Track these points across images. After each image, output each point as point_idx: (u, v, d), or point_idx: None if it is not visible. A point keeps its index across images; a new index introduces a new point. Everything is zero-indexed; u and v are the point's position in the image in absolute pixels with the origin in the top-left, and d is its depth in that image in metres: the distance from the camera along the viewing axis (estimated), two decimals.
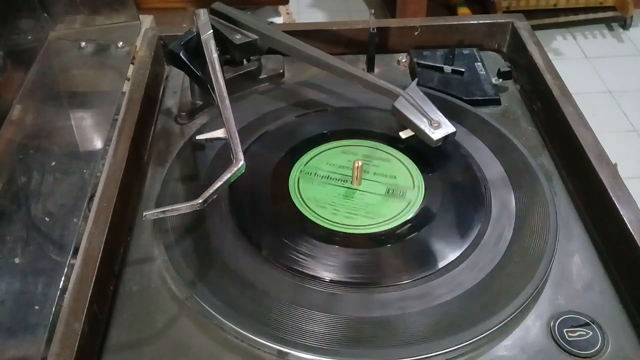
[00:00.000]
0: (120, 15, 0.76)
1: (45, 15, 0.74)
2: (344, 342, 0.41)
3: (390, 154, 0.56)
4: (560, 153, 0.57)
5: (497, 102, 0.63)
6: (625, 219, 0.45)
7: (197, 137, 0.54)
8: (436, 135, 0.53)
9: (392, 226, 0.49)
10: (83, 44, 0.74)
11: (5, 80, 0.66)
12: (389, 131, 0.58)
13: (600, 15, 2.01)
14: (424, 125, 0.53)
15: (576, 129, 0.54)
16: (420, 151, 0.55)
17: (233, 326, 0.42)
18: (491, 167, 0.54)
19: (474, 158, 0.55)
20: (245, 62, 0.65)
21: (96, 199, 0.49)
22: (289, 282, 0.45)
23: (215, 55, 0.56)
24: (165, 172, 0.55)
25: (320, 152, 0.56)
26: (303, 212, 0.50)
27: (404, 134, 0.55)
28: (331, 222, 0.49)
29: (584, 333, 0.42)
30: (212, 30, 0.59)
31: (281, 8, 1.35)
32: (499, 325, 0.42)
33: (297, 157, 0.56)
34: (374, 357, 0.41)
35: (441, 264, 0.46)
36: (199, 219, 0.50)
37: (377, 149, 0.57)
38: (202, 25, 0.59)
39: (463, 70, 0.66)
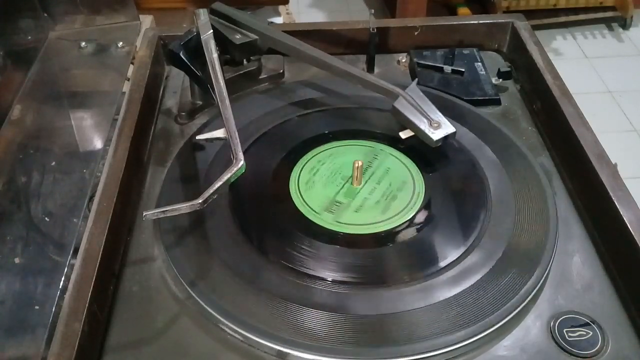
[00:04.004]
0: (120, 15, 0.76)
1: (45, 15, 0.74)
2: (343, 341, 0.41)
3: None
4: (560, 153, 0.57)
5: (497, 102, 0.63)
6: (625, 219, 0.45)
7: (197, 137, 0.54)
8: (436, 135, 0.53)
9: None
10: (83, 44, 0.74)
11: (5, 80, 0.66)
12: (389, 131, 0.58)
13: (600, 15, 2.01)
14: (423, 125, 0.53)
15: (576, 129, 0.54)
16: (421, 151, 0.55)
17: (233, 326, 0.42)
18: (491, 167, 0.54)
19: (474, 158, 0.55)
20: (245, 62, 0.65)
21: (96, 199, 0.49)
22: (289, 281, 0.45)
23: (215, 55, 0.56)
24: (166, 172, 0.55)
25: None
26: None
27: (404, 134, 0.55)
28: (332, 222, 0.49)
29: (584, 333, 0.42)
30: (212, 30, 0.59)
31: (281, 8, 1.36)
32: (499, 325, 0.42)
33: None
34: (374, 357, 0.41)
35: (441, 264, 0.46)
36: (199, 219, 0.50)
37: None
38: (202, 25, 0.59)
39: (463, 70, 0.66)
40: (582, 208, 0.52)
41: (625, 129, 1.68)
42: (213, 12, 0.62)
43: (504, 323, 0.42)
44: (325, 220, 0.50)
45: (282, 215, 0.51)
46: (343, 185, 0.53)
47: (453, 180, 0.53)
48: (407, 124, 0.55)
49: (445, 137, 0.53)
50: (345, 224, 0.49)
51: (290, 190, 0.53)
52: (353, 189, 0.53)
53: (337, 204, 0.51)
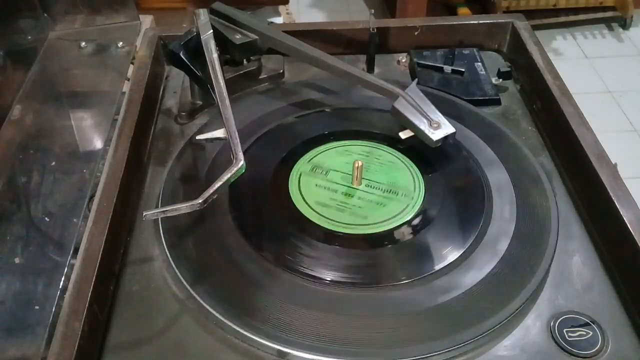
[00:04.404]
0: (120, 15, 0.76)
1: (45, 15, 0.74)
2: (343, 341, 0.41)
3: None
4: (560, 153, 0.57)
5: (497, 102, 0.63)
6: (625, 219, 0.45)
7: (197, 137, 0.54)
8: (436, 135, 0.53)
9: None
10: (83, 44, 0.74)
11: (5, 80, 0.66)
12: (389, 131, 0.58)
13: (600, 15, 2.01)
14: (423, 125, 0.53)
15: (576, 129, 0.54)
16: (420, 151, 0.55)
17: (233, 326, 0.42)
18: (491, 167, 0.54)
19: (474, 158, 0.55)
20: (245, 62, 0.65)
21: (96, 199, 0.49)
22: (289, 281, 0.45)
23: (215, 55, 0.56)
24: (166, 172, 0.55)
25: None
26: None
27: (403, 135, 0.55)
28: (331, 222, 0.49)
29: (584, 333, 0.42)
30: (212, 30, 0.59)
31: (281, 8, 1.35)
32: (499, 325, 0.42)
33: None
34: (374, 357, 0.41)
35: (441, 264, 0.46)
36: (199, 218, 0.50)
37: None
38: (202, 25, 0.59)
39: (463, 70, 0.66)
40: (582, 208, 0.52)
41: (625, 129, 1.68)
42: (213, 12, 0.62)
43: (504, 323, 0.42)
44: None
45: (281, 215, 0.51)
46: (343, 186, 0.53)
47: (453, 181, 0.53)
48: (407, 124, 0.55)
49: (445, 138, 0.53)
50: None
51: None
52: (353, 189, 0.53)
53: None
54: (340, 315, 0.43)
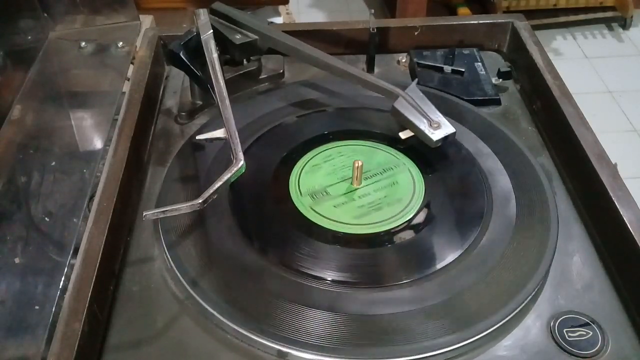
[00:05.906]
0: (120, 15, 0.76)
1: (45, 15, 0.74)
2: (343, 341, 0.41)
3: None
4: (560, 153, 0.57)
5: (497, 102, 0.63)
6: (625, 219, 0.45)
7: (197, 137, 0.54)
8: (436, 135, 0.53)
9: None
10: (83, 44, 0.74)
11: (5, 80, 0.66)
12: (389, 131, 0.58)
13: (600, 15, 2.01)
14: (423, 125, 0.53)
15: (576, 129, 0.54)
16: (420, 151, 0.56)
17: (233, 326, 0.42)
18: (491, 167, 0.54)
19: (474, 158, 0.55)
20: (245, 62, 0.65)
21: (96, 199, 0.49)
22: (289, 281, 0.45)
23: (215, 55, 0.56)
24: (165, 172, 0.55)
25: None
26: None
27: (403, 135, 0.55)
28: (331, 222, 0.49)
29: (584, 333, 0.42)
30: (212, 30, 0.59)
31: (281, 8, 1.35)
32: (499, 325, 0.42)
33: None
34: (374, 357, 0.41)
35: (441, 264, 0.46)
36: (199, 218, 0.50)
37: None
38: (202, 25, 0.59)
39: (463, 70, 0.66)
40: (582, 208, 0.52)
41: (625, 129, 1.68)
42: (213, 12, 0.62)
43: (504, 323, 0.42)
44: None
45: (281, 215, 0.51)
46: (343, 185, 0.53)
47: (453, 181, 0.53)
48: (406, 124, 0.55)
49: (445, 138, 0.53)
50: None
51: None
52: (353, 188, 0.53)
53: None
54: (341, 314, 0.43)
